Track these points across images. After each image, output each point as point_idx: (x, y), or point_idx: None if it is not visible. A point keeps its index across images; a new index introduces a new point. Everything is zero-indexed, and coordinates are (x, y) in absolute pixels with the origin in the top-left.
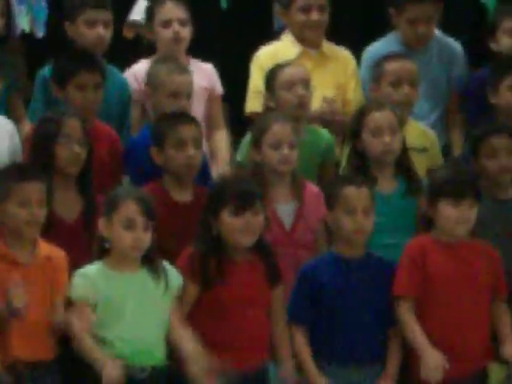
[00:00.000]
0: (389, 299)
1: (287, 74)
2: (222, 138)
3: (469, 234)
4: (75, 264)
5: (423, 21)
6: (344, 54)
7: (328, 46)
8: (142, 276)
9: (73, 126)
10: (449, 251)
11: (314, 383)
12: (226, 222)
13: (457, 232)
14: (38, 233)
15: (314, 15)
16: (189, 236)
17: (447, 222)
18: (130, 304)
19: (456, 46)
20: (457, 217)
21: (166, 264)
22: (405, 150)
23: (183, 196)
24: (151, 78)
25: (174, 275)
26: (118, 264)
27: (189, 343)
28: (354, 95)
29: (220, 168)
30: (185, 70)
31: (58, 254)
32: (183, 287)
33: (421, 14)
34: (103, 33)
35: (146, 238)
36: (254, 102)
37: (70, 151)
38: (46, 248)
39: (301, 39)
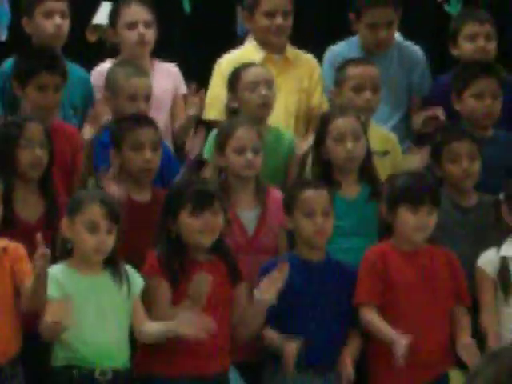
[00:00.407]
0: (349, 302)
1: (251, 74)
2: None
3: (427, 240)
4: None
5: (383, 26)
6: (308, 58)
7: (292, 51)
8: (104, 279)
9: (34, 129)
10: (408, 258)
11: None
12: (185, 222)
13: (415, 238)
14: None
15: (279, 20)
16: (147, 236)
17: (405, 229)
18: (92, 306)
19: (417, 50)
20: (415, 223)
21: (127, 267)
22: (368, 155)
23: (142, 196)
24: (110, 82)
25: (136, 278)
26: (81, 265)
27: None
28: (320, 101)
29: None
30: (143, 73)
31: (14, 245)
32: (155, 288)
33: (380, 19)
34: (61, 22)
35: (109, 242)
36: (211, 110)
37: (31, 155)
38: (3, 242)
39: (264, 44)
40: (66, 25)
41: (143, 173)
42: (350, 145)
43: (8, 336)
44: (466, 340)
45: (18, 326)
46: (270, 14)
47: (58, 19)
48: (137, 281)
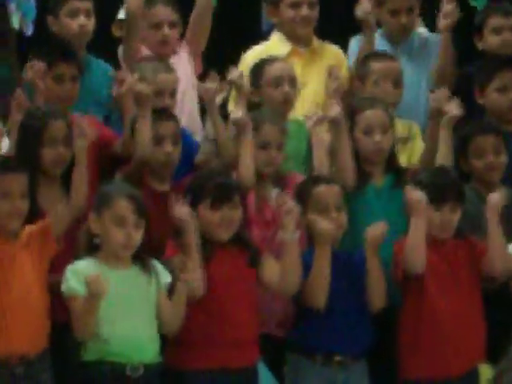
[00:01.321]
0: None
1: (275, 70)
2: None
3: (452, 236)
4: (60, 260)
5: (404, 11)
6: (335, 50)
7: (318, 43)
8: (133, 273)
9: (58, 127)
10: (434, 249)
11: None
12: (204, 215)
13: (439, 236)
14: (20, 225)
15: (304, 10)
16: (165, 225)
17: (430, 226)
18: (122, 301)
19: (439, 38)
20: (439, 221)
21: (155, 261)
22: (393, 147)
23: (163, 186)
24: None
25: (163, 272)
26: (109, 260)
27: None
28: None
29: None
30: (169, 69)
31: (42, 227)
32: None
33: (401, 5)
34: (85, 22)
35: (137, 236)
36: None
37: (55, 153)
38: (27, 232)
39: (291, 36)
40: (90, 24)
41: (164, 166)
42: (378, 137)
43: (37, 329)
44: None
45: (46, 320)
46: (296, 5)
47: (82, 19)
48: (164, 275)
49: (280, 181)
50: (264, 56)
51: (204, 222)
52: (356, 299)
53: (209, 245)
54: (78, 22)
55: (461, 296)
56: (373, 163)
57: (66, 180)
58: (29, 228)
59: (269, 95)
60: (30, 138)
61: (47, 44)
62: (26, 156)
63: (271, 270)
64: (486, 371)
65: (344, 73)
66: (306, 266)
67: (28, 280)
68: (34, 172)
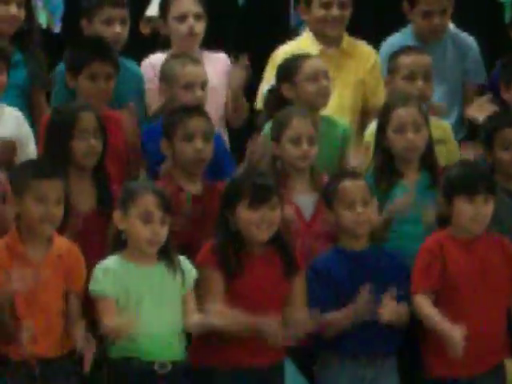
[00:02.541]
0: (399, 288)
1: (311, 65)
2: None
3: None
4: (90, 254)
5: (437, 13)
6: (367, 51)
7: (349, 42)
8: (159, 270)
9: (88, 119)
10: (466, 247)
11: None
12: (242, 216)
13: (473, 229)
14: (53, 230)
15: (335, 11)
16: (199, 228)
17: (463, 219)
18: (148, 298)
19: (469, 38)
20: (472, 213)
21: (181, 258)
22: (430, 143)
23: (193, 188)
24: (165, 73)
25: (190, 269)
26: (136, 257)
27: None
28: (377, 92)
29: None
30: (197, 62)
31: (71, 250)
32: (209, 280)
33: (434, 7)
34: (120, 30)
35: (163, 232)
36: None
37: (86, 145)
38: (60, 245)
39: (321, 36)
40: (125, 32)
41: (195, 163)
42: (410, 135)
43: (59, 336)
44: None
45: (68, 325)
46: (327, 5)
47: (117, 27)
48: (191, 272)
49: (316, 183)
50: (293, 54)
51: (243, 222)
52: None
53: (242, 255)
54: (114, 30)
55: (489, 294)
56: (406, 161)
57: (97, 172)
58: (61, 243)
59: (306, 90)
60: (60, 133)
61: (83, 41)
62: (57, 149)
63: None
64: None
65: (377, 77)
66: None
67: (52, 287)
68: (65, 167)
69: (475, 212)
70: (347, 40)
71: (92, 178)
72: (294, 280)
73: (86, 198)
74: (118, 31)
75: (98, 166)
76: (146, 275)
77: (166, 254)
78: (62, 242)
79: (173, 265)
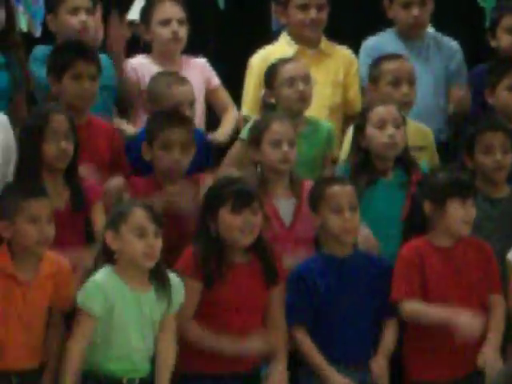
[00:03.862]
0: (382, 294)
1: (288, 70)
2: (229, 115)
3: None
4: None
5: (416, 3)
6: (344, 52)
7: (327, 44)
8: (150, 298)
9: (59, 121)
10: (444, 254)
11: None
12: (225, 220)
13: (463, 231)
14: (46, 250)
15: (313, 13)
16: (182, 229)
17: (454, 222)
18: (133, 324)
19: (454, 43)
20: (464, 216)
21: (172, 278)
22: (406, 146)
23: (172, 189)
24: (152, 93)
25: (179, 291)
26: (129, 276)
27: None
28: (357, 97)
29: (216, 134)
30: (184, 81)
31: (61, 268)
32: (186, 289)
33: None
34: (86, 19)
35: (157, 245)
36: (244, 106)
37: (56, 147)
38: (51, 263)
39: (299, 38)
40: (91, 22)
41: (170, 172)
42: (391, 130)
43: (36, 349)
44: (487, 352)
45: (45, 340)
46: (304, 7)
47: (83, 15)
48: (179, 296)
49: (295, 188)
50: (268, 59)
51: (226, 227)
52: (364, 307)
53: (223, 263)
54: (79, 19)
55: (467, 298)
56: (385, 159)
57: (69, 174)
58: (50, 260)
59: (284, 95)
60: (32, 135)
61: (65, 44)
62: (29, 152)
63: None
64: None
65: (353, 75)
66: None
67: (37, 306)
68: (38, 168)
69: (467, 215)
70: (325, 42)
71: (64, 179)
72: (271, 292)
73: (60, 197)
74: (84, 19)
75: (69, 167)
76: (137, 302)
77: (157, 275)
78: (52, 259)
79: (164, 289)
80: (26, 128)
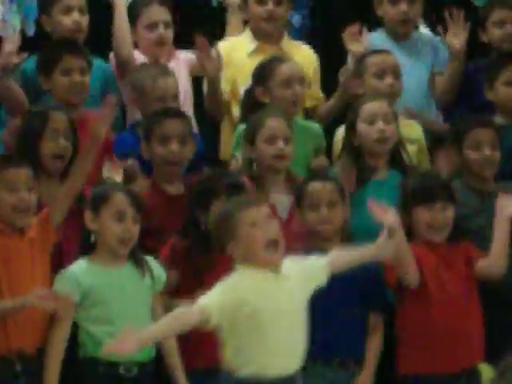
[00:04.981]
0: (367, 287)
1: (285, 70)
2: None
3: (445, 238)
4: (65, 251)
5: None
6: (306, 51)
7: (288, 43)
8: (128, 271)
9: (59, 120)
10: (433, 250)
11: None
12: None
13: (433, 237)
14: (29, 220)
15: (270, 6)
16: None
17: (422, 228)
18: (117, 300)
19: (439, 40)
20: (430, 220)
21: (150, 259)
22: (399, 140)
23: (175, 188)
24: (135, 85)
25: (159, 271)
26: (104, 260)
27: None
28: (319, 94)
29: None
30: (167, 72)
31: (35, 218)
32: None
33: None
34: (79, 18)
35: (135, 230)
36: None
37: (56, 146)
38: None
39: (259, 34)
40: (84, 21)
41: (170, 165)
42: (381, 124)
43: (39, 326)
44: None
45: (47, 316)
46: (261, 1)
47: (76, 15)
48: (161, 274)
49: (291, 185)
50: (230, 52)
51: None
52: (353, 301)
53: (211, 256)
54: (73, 18)
55: (459, 295)
56: (376, 155)
57: (66, 174)
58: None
59: (279, 96)
60: (31, 133)
61: (52, 41)
62: (27, 151)
63: None
64: (486, 371)
65: (312, 73)
66: None
67: (33, 277)
68: (34, 168)
69: (433, 219)
70: (287, 40)
71: (61, 180)
72: None
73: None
74: (77, 19)
75: (67, 168)
76: (113, 276)
77: (133, 255)
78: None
79: (140, 264)
80: (24, 126)
